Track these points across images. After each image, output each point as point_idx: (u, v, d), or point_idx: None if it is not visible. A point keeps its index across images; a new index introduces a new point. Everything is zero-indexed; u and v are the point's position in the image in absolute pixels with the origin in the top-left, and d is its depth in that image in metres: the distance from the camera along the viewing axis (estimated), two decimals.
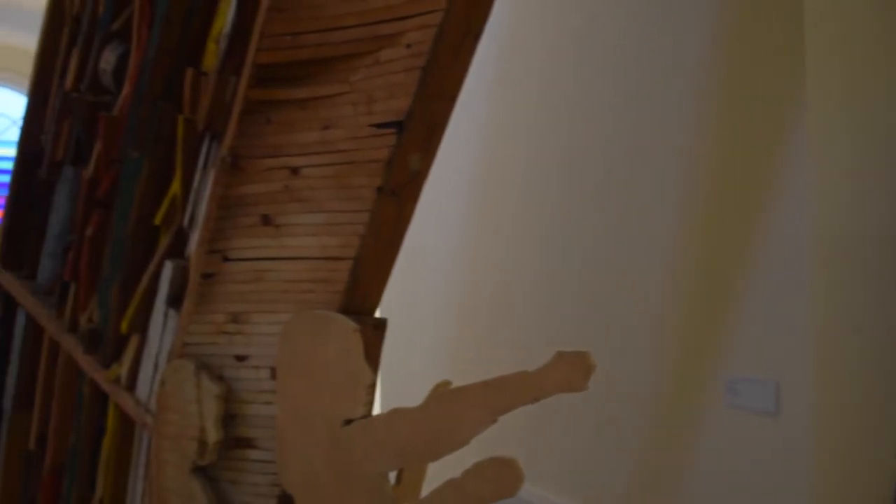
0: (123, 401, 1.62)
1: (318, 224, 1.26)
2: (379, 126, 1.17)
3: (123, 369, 1.64)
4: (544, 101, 3.08)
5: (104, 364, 1.72)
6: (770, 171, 2.07)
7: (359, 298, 1.24)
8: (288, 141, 1.29)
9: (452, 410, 1.07)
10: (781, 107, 2.05)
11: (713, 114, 2.28)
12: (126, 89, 1.77)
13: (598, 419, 2.60)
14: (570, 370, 0.98)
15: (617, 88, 2.69)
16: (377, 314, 1.29)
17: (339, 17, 1.22)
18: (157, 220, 1.60)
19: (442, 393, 1.10)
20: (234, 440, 1.34)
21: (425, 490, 1.22)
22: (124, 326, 1.62)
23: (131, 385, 1.61)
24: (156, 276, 1.56)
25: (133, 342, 1.64)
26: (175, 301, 1.49)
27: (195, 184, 1.49)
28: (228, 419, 1.34)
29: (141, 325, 1.59)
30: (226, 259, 1.34)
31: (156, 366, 1.53)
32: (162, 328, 1.52)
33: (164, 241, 1.59)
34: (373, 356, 1.22)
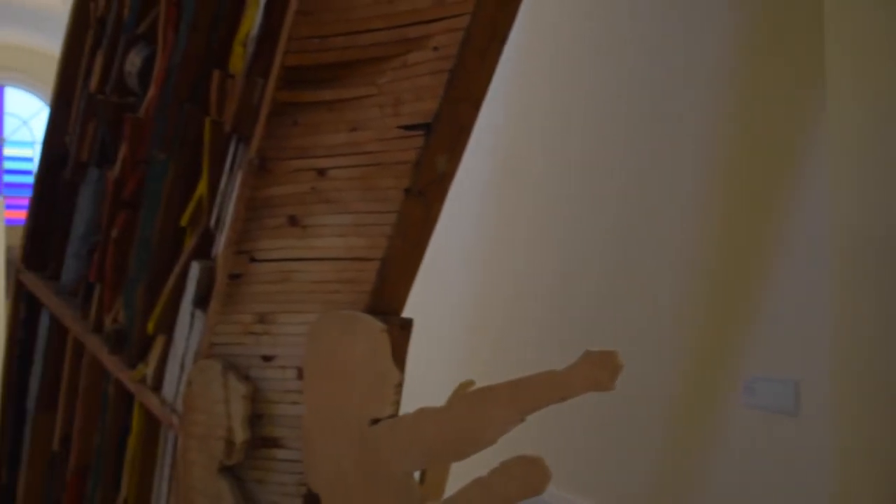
0: (149, 401, 1.66)
1: (345, 225, 1.29)
2: (406, 128, 1.20)
3: (149, 369, 1.68)
4: (560, 102, 3.11)
5: (129, 364, 1.76)
6: (789, 172, 2.09)
7: (386, 299, 1.27)
8: (315, 143, 1.32)
9: (480, 410, 1.09)
10: (801, 107, 2.06)
11: (732, 114, 2.30)
12: (152, 91, 1.81)
13: (617, 419, 2.62)
14: (598, 370, 1.00)
15: (633, 91, 2.71)
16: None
17: (366, 20, 1.25)
18: (184, 222, 1.64)
19: (469, 392, 1.12)
20: (261, 440, 1.37)
21: (449, 490, 1.25)
22: (151, 327, 1.65)
23: (157, 385, 1.65)
24: (182, 277, 1.59)
25: (159, 342, 1.68)
26: (202, 302, 1.52)
27: (222, 185, 1.53)
28: (255, 419, 1.37)
29: (167, 325, 1.63)
30: (253, 260, 1.37)
31: (182, 366, 1.57)
32: (188, 329, 1.56)
33: (191, 242, 1.62)
34: (399, 356, 1.25)
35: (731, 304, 2.26)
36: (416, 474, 1.37)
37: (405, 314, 1.31)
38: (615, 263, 2.74)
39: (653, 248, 2.56)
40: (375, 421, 1.21)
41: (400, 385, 1.22)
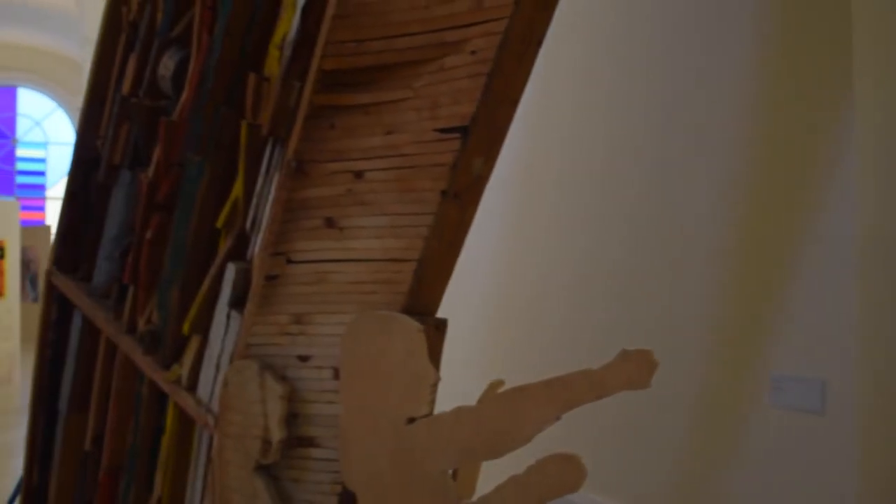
0: (184, 401, 1.71)
1: (382, 227, 1.33)
2: (443, 131, 1.24)
3: (184, 370, 1.74)
4: (582, 103, 3.14)
5: (164, 365, 1.81)
6: (818, 171, 2.11)
7: (421, 300, 1.31)
8: (351, 145, 1.36)
9: (517, 408, 1.13)
10: (829, 106, 2.08)
11: (759, 113, 2.33)
12: (185, 94, 1.87)
13: (642, 418, 2.65)
14: (634, 368, 1.04)
15: (654, 90, 2.74)
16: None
17: (403, 24, 1.30)
18: (219, 224, 1.69)
19: (506, 391, 1.16)
20: (297, 439, 1.41)
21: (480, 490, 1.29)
22: (186, 328, 1.71)
23: (192, 385, 1.70)
24: (218, 278, 1.64)
25: (193, 343, 1.73)
26: (238, 303, 1.57)
27: (258, 188, 1.58)
28: (290, 418, 1.41)
29: (202, 326, 1.68)
30: (289, 261, 1.42)
31: (217, 366, 1.62)
32: (224, 329, 1.61)
33: (226, 244, 1.67)
34: (434, 356, 1.29)
35: (757, 304, 2.29)
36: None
37: None
38: (637, 264, 2.77)
39: (677, 247, 2.59)
40: (412, 420, 1.25)
41: (436, 384, 1.26)
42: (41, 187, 18.12)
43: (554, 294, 3.23)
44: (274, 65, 1.60)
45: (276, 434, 1.40)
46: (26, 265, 11.76)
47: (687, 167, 2.57)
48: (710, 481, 2.39)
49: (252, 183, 1.61)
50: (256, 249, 1.53)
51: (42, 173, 18.20)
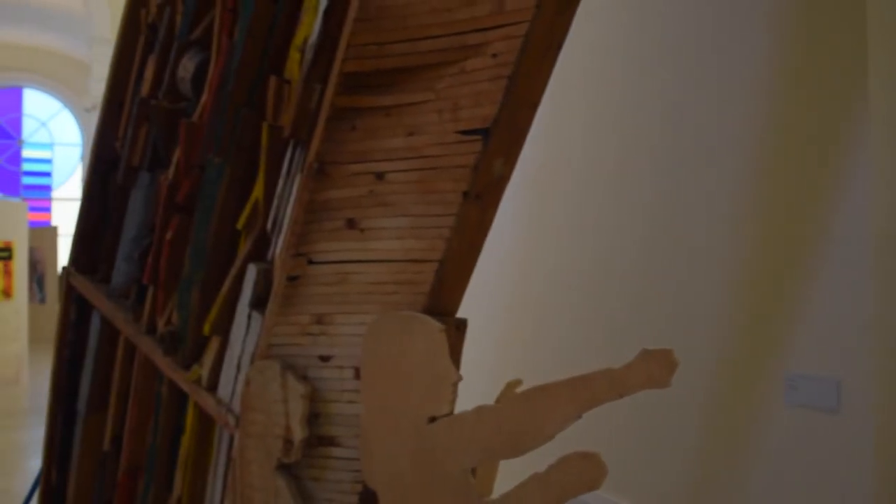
0: (204, 401, 1.75)
1: (403, 227, 1.36)
2: (465, 133, 1.28)
3: (204, 370, 1.78)
4: (594, 103, 3.17)
5: (184, 365, 1.85)
6: (832, 170, 2.14)
7: (442, 300, 1.35)
8: (373, 147, 1.40)
9: (539, 407, 1.17)
10: (843, 106, 2.11)
11: (773, 113, 2.35)
12: (205, 96, 1.91)
13: (657, 418, 2.68)
14: (655, 367, 1.07)
15: (670, 89, 2.77)
16: None
17: (424, 27, 1.33)
18: (240, 225, 1.73)
19: (529, 390, 1.19)
20: (317, 438, 1.44)
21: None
22: (207, 328, 1.75)
23: (213, 385, 1.74)
24: (238, 279, 1.68)
25: (214, 344, 1.77)
26: (259, 303, 1.61)
27: (279, 189, 1.62)
28: (312, 418, 1.44)
29: (223, 327, 1.72)
30: (311, 262, 1.45)
31: (238, 367, 1.65)
32: (245, 330, 1.64)
33: (246, 245, 1.71)
34: (455, 355, 1.33)
35: (772, 303, 2.32)
36: None
37: None
38: (651, 264, 2.80)
39: (690, 247, 2.61)
40: (433, 419, 1.28)
41: (457, 384, 1.30)
42: (47, 188, 18.27)
43: (567, 294, 3.26)
44: (294, 67, 1.63)
45: (298, 433, 1.43)
46: (33, 266, 11.87)
47: (701, 168, 2.60)
48: (724, 480, 2.42)
49: (273, 184, 1.65)
50: (278, 250, 1.57)
51: (48, 174, 18.33)
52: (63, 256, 13.79)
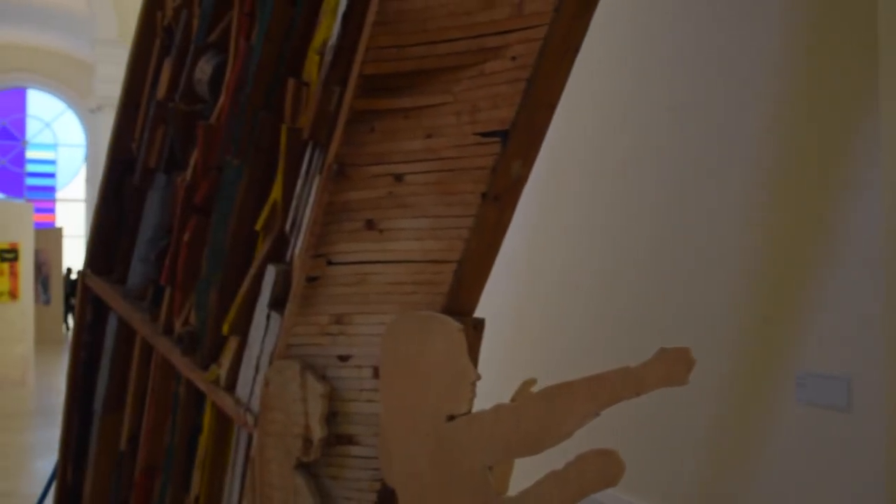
0: (222, 401, 1.79)
1: (422, 228, 1.39)
2: (483, 135, 1.31)
3: (222, 370, 1.81)
4: (604, 102, 3.19)
5: (202, 365, 1.89)
6: (844, 168, 2.16)
7: (461, 300, 1.38)
8: (392, 149, 1.43)
9: (557, 405, 1.20)
10: (855, 105, 2.13)
11: (785, 111, 2.38)
12: (223, 99, 1.95)
13: (668, 416, 2.70)
14: (672, 366, 1.11)
15: (681, 89, 2.79)
16: None
17: (443, 30, 1.36)
18: (258, 226, 1.77)
19: (547, 388, 1.23)
20: (336, 437, 1.47)
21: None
22: (226, 328, 1.78)
23: (231, 385, 1.78)
24: (257, 280, 1.72)
25: (232, 344, 1.81)
26: (277, 304, 1.64)
27: (298, 190, 1.65)
28: (330, 417, 1.47)
29: (241, 327, 1.75)
30: (330, 263, 1.48)
31: (257, 367, 1.69)
32: (264, 330, 1.68)
33: (264, 246, 1.75)
34: (473, 354, 1.36)
35: (783, 302, 2.34)
36: None
37: None
38: (662, 263, 2.82)
39: (701, 246, 2.64)
40: (451, 418, 1.32)
41: (475, 383, 1.33)
42: (51, 189, 18.37)
43: (575, 294, 3.29)
44: (313, 69, 1.67)
45: (317, 432, 1.46)
46: (38, 267, 11.94)
47: (710, 168, 2.62)
48: (735, 478, 2.45)
49: (291, 186, 1.68)
50: (296, 251, 1.60)
51: (52, 175, 18.43)
52: (67, 258, 13.89)
